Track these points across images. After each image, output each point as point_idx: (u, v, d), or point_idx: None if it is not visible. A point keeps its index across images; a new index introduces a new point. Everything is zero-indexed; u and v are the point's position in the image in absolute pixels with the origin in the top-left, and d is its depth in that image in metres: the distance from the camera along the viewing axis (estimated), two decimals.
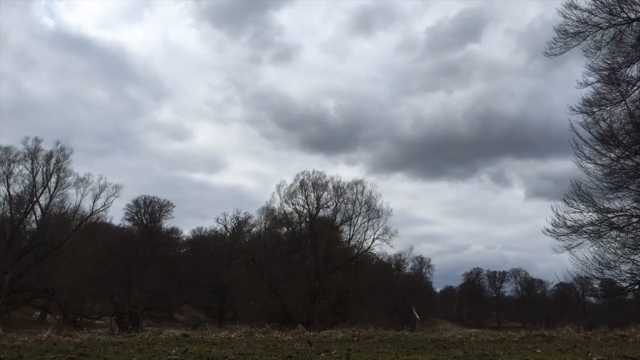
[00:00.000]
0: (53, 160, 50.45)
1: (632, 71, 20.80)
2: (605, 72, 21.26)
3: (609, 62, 21.16)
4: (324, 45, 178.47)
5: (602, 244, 21.32)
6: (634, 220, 21.00)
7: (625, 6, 19.74)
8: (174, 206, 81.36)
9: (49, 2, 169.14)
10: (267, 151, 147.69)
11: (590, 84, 21.66)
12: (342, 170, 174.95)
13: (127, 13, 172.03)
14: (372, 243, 53.15)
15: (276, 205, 54.32)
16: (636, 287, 22.03)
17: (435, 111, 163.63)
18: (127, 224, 79.28)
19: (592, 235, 21.25)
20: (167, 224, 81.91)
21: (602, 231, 21.21)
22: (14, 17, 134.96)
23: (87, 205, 53.47)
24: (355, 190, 53.77)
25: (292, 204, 54.34)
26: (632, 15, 19.89)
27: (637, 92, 20.87)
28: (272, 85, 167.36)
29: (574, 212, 21.51)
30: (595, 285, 27.68)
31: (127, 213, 78.53)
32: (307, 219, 54.24)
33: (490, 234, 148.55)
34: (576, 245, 21.40)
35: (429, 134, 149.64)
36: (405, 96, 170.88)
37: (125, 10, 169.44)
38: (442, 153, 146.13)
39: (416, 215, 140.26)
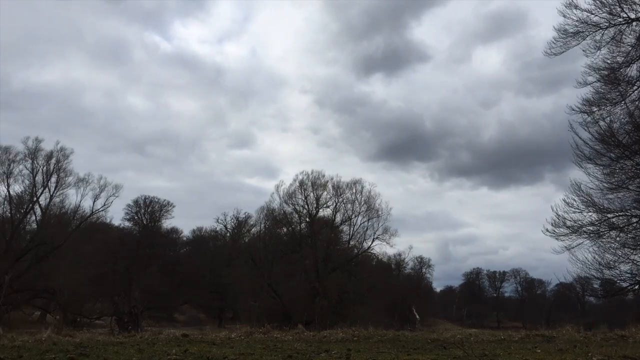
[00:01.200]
0: (53, 160, 50.44)
1: (632, 71, 20.77)
2: (605, 72, 21.23)
3: (608, 61, 21.15)
4: (440, 54, 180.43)
5: (602, 244, 21.29)
6: (634, 220, 20.97)
7: (625, 6, 19.73)
8: (174, 206, 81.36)
9: (166, 24, 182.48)
10: (337, 159, 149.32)
11: (589, 84, 21.65)
12: (390, 178, 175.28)
13: (231, 30, 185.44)
14: (372, 243, 53.14)
15: (275, 205, 54.34)
16: (636, 287, 21.99)
17: (523, 118, 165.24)
18: (127, 224, 79.30)
19: (592, 235, 21.22)
20: (167, 223, 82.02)
21: (602, 231, 21.18)
22: (135, 38, 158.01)
23: (87, 205, 53.64)
24: (354, 190, 53.73)
25: (292, 204, 54.34)
26: (632, 15, 19.87)
27: (636, 92, 20.84)
28: (369, 94, 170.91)
29: (574, 212, 21.49)
30: (595, 286, 27.60)
31: (127, 213, 78.49)
32: (307, 219, 54.19)
33: (534, 236, 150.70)
34: (576, 246, 21.36)
35: (509, 141, 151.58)
36: (498, 105, 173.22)
37: (229, 28, 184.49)
38: (517, 160, 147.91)
39: (467, 220, 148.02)
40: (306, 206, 54.07)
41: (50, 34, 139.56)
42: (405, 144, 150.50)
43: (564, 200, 21.78)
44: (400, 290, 71.37)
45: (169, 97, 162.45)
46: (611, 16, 19.96)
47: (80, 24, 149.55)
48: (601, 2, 19.77)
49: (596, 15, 20.10)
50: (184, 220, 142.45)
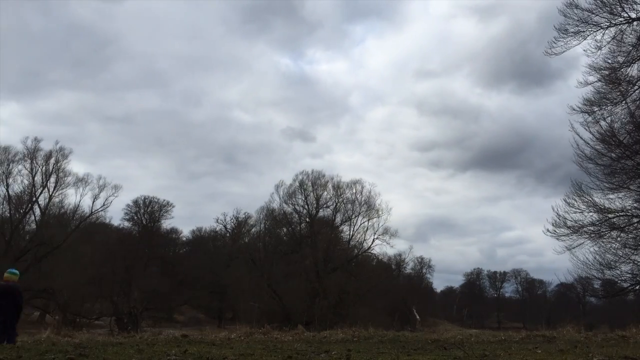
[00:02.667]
0: (52, 160, 50.45)
1: (633, 71, 20.72)
2: (606, 72, 21.20)
3: (609, 61, 21.11)
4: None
5: (602, 244, 21.27)
6: (635, 220, 20.93)
7: (626, 5, 19.70)
8: (173, 206, 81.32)
9: (297, 47, 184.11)
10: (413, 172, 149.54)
11: (590, 84, 21.61)
12: (454, 184, 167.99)
13: (348, 49, 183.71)
14: (372, 243, 53.20)
15: (275, 205, 54.35)
16: (637, 287, 21.97)
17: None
18: (127, 224, 79.20)
19: (592, 235, 21.19)
20: (166, 224, 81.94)
21: (602, 231, 21.14)
22: (268, 60, 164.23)
23: (86, 205, 53.64)
24: (354, 190, 53.81)
25: (292, 204, 54.39)
26: (633, 15, 19.83)
27: (637, 91, 20.81)
28: (484, 105, 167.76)
29: (575, 212, 21.47)
30: (596, 286, 27.63)
31: (126, 213, 78.37)
32: (307, 219, 54.21)
33: None
34: (577, 246, 21.33)
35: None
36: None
37: (349, 47, 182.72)
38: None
39: (516, 224, 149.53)
40: (306, 206, 54.14)
41: (210, 60, 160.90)
42: (500, 154, 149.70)
43: (565, 200, 21.79)
44: (401, 290, 71.35)
45: (275, 111, 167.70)
46: (612, 16, 19.93)
47: (236, 50, 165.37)
48: (602, 1, 19.73)
49: (597, 15, 20.07)
50: None
